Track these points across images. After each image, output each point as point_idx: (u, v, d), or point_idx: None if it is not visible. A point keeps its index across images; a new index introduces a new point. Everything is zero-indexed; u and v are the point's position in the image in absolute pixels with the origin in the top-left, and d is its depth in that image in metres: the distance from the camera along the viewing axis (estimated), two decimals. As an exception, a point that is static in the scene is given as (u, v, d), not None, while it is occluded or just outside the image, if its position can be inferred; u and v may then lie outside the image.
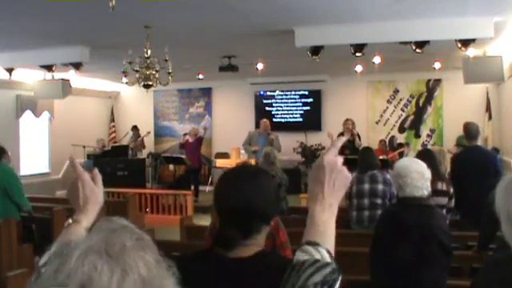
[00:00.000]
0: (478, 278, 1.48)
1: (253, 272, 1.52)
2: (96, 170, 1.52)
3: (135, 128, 12.32)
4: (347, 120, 10.01)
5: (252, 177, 1.63)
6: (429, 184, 2.93)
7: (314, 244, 1.12)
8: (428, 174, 2.94)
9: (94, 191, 1.47)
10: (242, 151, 9.82)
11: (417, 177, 2.87)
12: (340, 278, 1.07)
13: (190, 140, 10.99)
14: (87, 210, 1.43)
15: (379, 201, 5.03)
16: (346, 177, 1.19)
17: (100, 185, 1.49)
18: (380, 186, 5.05)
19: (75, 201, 1.46)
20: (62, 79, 9.20)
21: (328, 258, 1.10)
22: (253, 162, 8.19)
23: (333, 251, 1.15)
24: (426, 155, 4.66)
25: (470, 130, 5.25)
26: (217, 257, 1.58)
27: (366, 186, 5.10)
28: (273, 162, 5.79)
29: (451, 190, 4.61)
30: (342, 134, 9.98)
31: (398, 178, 2.92)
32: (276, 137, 9.76)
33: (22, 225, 5.54)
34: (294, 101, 12.62)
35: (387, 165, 8.59)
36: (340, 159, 1.20)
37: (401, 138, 11.63)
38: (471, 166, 4.99)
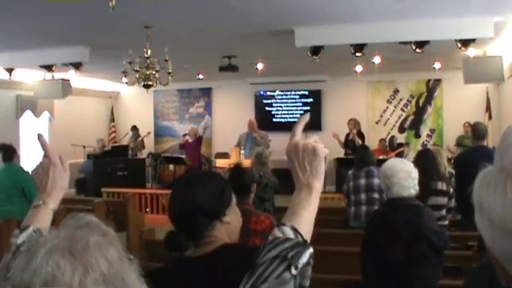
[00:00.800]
0: (468, 279, 1.49)
1: (213, 266, 1.55)
2: (62, 156, 1.56)
3: (135, 128, 12.32)
4: (350, 120, 10.08)
5: (193, 178, 1.70)
6: (416, 183, 2.93)
7: (279, 225, 1.13)
8: (415, 173, 2.94)
9: (62, 177, 1.52)
10: (242, 151, 9.82)
11: (403, 176, 2.87)
12: (308, 251, 1.06)
13: (190, 140, 10.99)
14: (53, 194, 1.49)
15: (376, 195, 5.04)
16: (317, 155, 1.19)
17: (67, 170, 1.54)
18: (376, 180, 5.07)
19: (42, 183, 1.51)
20: (62, 79, 9.20)
21: (291, 235, 1.09)
22: (247, 161, 8.17)
23: (305, 228, 1.15)
24: (425, 155, 4.66)
25: (477, 130, 5.22)
26: (181, 259, 1.63)
27: (362, 181, 5.12)
28: (264, 162, 5.76)
29: (451, 189, 4.60)
30: (348, 135, 10.04)
31: (385, 179, 2.92)
32: (261, 135, 9.73)
33: None
34: (293, 101, 12.62)
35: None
36: (309, 141, 1.20)
37: (401, 138, 11.63)
38: (475, 166, 4.96)
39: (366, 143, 9.66)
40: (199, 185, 1.65)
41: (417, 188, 2.94)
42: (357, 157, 5.59)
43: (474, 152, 5.32)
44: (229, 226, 1.66)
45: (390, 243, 2.78)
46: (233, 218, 1.69)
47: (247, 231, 2.97)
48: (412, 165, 3.00)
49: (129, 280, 0.76)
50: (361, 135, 10.04)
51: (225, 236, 1.65)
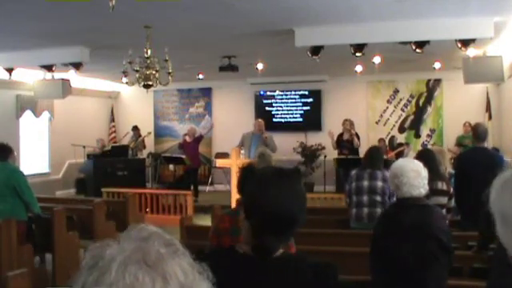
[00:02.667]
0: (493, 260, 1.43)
1: (278, 272, 1.55)
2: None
3: (136, 128, 12.32)
4: (345, 120, 10.03)
5: (288, 182, 1.61)
6: (426, 182, 2.91)
7: None
8: (425, 172, 2.93)
9: None
10: (242, 151, 9.81)
11: (413, 175, 2.86)
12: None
13: (189, 140, 10.99)
14: None
15: (378, 198, 5.03)
16: None
17: None
18: (379, 183, 5.06)
19: None
20: (62, 79, 9.20)
21: None
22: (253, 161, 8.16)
23: None
24: (425, 155, 4.66)
25: (478, 132, 5.22)
26: (243, 255, 1.60)
27: (365, 183, 5.10)
28: (269, 161, 5.74)
29: (451, 189, 4.61)
30: (341, 135, 10.01)
31: (395, 178, 2.91)
32: (270, 136, 9.75)
33: (27, 225, 5.56)
34: (293, 101, 12.62)
35: (387, 165, 8.59)
36: None
37: (401, 138, 11.62)
38: (475, 166, 4.96)
39: (366, 143, 9.66)
40: (296, 191, 1.59)
41: (426, 187, 2.92)
42: (367, 155, 5.52)
43: (474, 153, 5.32)
44: None
45: (399, 243, 2.77)
46: None
47: None
48: (421, 164, 2.99)
49: None
50: (357, 136, 10.02)
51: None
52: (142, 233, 0.79)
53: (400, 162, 3.11)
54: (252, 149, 9.60)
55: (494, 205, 0.75)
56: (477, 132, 5.24)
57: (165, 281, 0.71)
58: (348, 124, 9.98)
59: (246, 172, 3.40)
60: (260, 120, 10.33)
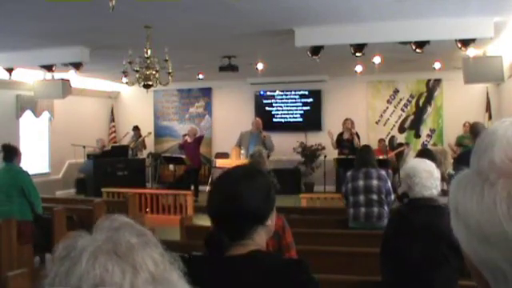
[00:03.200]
0: None
1: (244, 270, 1.53)
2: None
3: (136, 128, 12.32)
4: (346, 120, 10.03)
5: (242, 177, 1.62)
6: (438, 183, 2.91)
7: None
8: (437, 173, 2.93)
9: None
10: (242, 151, 9.82)
11: (426, 176, 2.86)
12: None
13: (189, 140, 10.99)
14: None
15: (375, 197, 5.05)
16: None
17: None
18: (374, 182, 5.07)
19: None
20: (62, 79, 9.20)
21: None
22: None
23: None
24: (425, 155, 4.66)
25: (476, 130, 5.23)
26: (211, 256, 1.59)
27: (361, 183, 5.12)
28: (259, 161, 5.71)
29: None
30: (341, 134, 10.00)
31: (407, 179, 2.91)
32: (268, 136, 9.77)
33: (34, 225, 5.57)
34: (293, 101, 12.62)
35: (387, 165, 8.60)
36: None
37: (401, 138, 11.62)
38: None
39: (366, 143, 9.65)
40: (249, 187, 1.58)
41: (439, 188, 2.92)
42: (357, 157, 5.59)
43: None
44: (268, 228, 1.64)
45: (410, 244, 2.77)
46: (272, 220, 1.67)
47: None
48: (434, 165, 2.99)
49: (173, 279, 0.76)
50: (357, 135, 10.02)
51: (262, 238, 1.63)
52: (113, 223, 0.80)
53: (413, 162, 3.11)
54: (250, 147, 9.61)
55: (450, 200, 0.79)
56: (475, 131, 5.24)
57: (135, 271, 0.71)
58: (349, 123, 9.98)
59: None
60: (258, 119, 10.34)
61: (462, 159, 5.47)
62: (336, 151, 10.04)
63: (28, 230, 5.43)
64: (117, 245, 0.73)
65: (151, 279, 0.72)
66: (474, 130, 5.32)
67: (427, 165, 2.96)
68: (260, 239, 1.61)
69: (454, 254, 2.74)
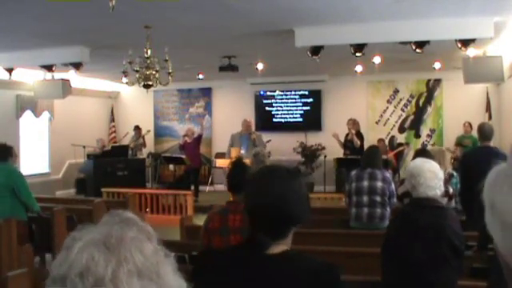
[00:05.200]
0: None
1: (278, 269, 1.54)
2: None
3: (137, 128, 12.32)
4: (349, 120, 10.07)
5: (287, 178, 1.61)
6: (442, 184, 2.92)
7: None
8: (441, 174, 2.93)
9: None
10: (242, 151, 9.82)
11: (430, 176, 2.86)
12: None
13: (189, 140, 10.99)
14: None
15: (378, 198, 5.04)
16: None
17: None
18: (379, 184, 5.06)
19: None
20: (62, 79, 9.20)
21: None
22: (247, 161, 8.16)
23: None
24: (423, 155, 4.66)
25: (484, 130, 5.19)
26: (245, 252, 1.60)
27: (365, 184, 5.11)
28: (263, 161, 5.74)
29: (451, 189, 4.60)
30: (347, 135, 10.04)
31: (412, 178, 2.91)
32: (258, 135, 9.77)
33: (28, 225, 5.57)
34: (294, 101, 12.61)
35: (387, 165, 8.60)
36: None
37: (401, 138, 11.62)
38: (479, 165, 4.92)
39: (366, 143, 9.66)
40: (293, 188, 1.58)
41: (442, 189, 2.93)
42: (364, 157, 5.53)
43: (479, 152, 5.28)
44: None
45: (412, 243, 2.77)
46: None
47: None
48: (438, 165, 2.99)
49: (164, 274, 0.79)
50: (359, 135, 10.02)
51: (291, 238, 1.64)
52: (115, 218, 0.84)
53: (417, 162, 3.11)
54: (242, 149, 9.62)
55: (485, 195, 0.77)
56: (482, 131, 5.21)
57: (119, 263, 0.75)
58: (351, 123, 10.01)
59: (235, 167, 3.36)
60: (247, 120, 10.35)
61: (467, 159, 5.42)
62: (336, 151, 10.06)
63: (22, 230, 5.40)
64: (108, 237, 0.78)
65: (136, 272, 0.76)
66: (481, 129, 5.28)
67: (432, 165, 2.96)
68: (289, 240, 1.63)
69: (455, 255, 2.75)
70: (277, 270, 1.54)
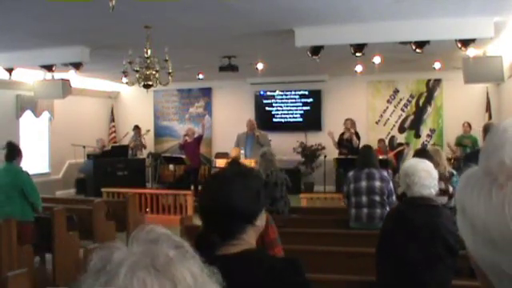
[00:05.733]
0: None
1: (237, 269, 1.52)
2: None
3: (137, 127, 12.32)
4: (347, 119, 10.05)
5: (232, 176, 1.63)
6: (436, 183, 2.93)
7: None
8: (435, 173, 2.95)
9: None
10: (242, 151, 9.83)
11: (424, 175, 2.87)
12: None
13: (189, 140, 11.00)
14: None
15: (377, 198, 5.04)
16: None
17: None
18: (377, 183, 5.06)
19: None
20: (62, 79, 9.20)
21: None
22: (253, 162, 8.17)
23: None
24: (423, 155, 4.66)
25: (489, 130, 5.21)
26: (202, 256, 1.60)
27: (364, 184, 5.11)
28: (271, 160, 5.75)
29: (450, 188, 4.61)
30: (343, 134, 10.02)
31: (406, 178, 2.92)
32: (263, 134, 9.79)
33: (35, 226, 5.57)
34: (293, 101, 12.62)
35: (387, 165, 8.60)
36: None
37: (401, 138, 11.62)
38: None
39: (366, 143, 9.65)
40: (239, 185, 1.60)
41: (437, 188, 2.94)
42: (359, 157, 5.57)
43: None
44: (257, 228, 1.65)
45: (406, 242, 2.78)
46: (262, 220, 1.67)
47: None
48: (432, 165, 3.00)
49: None
50: (357, 135, 10.02)
51: (252, 238, 1.64)
52: (150, 235, 0.78)
53: (412, 161, 3.13)
54: (247, 148, 9.64)
55: (457, 198, 0.76)
56: (488, 131, 5.21)
57: (173, 285, 0.69)
58: (349, 123, 10.00)
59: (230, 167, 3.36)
60: (251, 119, 10.36)
61: (471, 159, 5.42)
62: (336, 151, 10.05)
63: (28, 230, 5.42)
64: (155, 258, 0.71)
65: None
66: (486, 130, 5.29)
67: (426, 164, 2.97)
68: (250, 239, 1.62)
69: (449, 254, 2.75)
70: (234, 270, 1.53)
